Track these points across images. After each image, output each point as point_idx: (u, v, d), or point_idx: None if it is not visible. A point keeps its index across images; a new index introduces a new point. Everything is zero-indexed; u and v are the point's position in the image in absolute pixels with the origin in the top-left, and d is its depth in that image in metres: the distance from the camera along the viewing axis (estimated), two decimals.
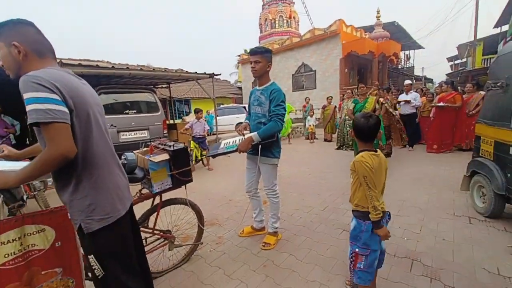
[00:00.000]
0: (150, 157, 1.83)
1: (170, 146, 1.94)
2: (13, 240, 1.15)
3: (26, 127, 6.02)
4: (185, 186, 1.98)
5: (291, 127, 8.65)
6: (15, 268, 1.15)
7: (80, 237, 1.22)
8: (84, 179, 1.12)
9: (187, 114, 16.12)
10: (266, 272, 1.98)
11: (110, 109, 5.21)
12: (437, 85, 7.46)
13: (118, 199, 1.25)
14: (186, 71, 7.31)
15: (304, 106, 10.13)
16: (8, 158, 1.42)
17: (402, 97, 6.56)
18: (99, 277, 1.21)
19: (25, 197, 1.74)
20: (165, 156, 1.86)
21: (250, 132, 2.26)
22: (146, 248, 1.72)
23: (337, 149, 7.02)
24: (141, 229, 1.76)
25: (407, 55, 23.02)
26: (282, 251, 2.27)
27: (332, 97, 9.00)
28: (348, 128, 6.72)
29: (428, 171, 4.45)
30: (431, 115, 6.27)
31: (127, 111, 5.57)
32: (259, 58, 2.20)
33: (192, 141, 5.49)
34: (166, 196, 1.94)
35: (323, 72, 14.16)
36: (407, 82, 6.78)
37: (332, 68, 13.70)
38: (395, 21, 17.56)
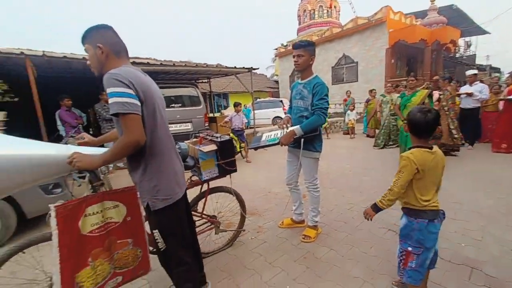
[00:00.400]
0: (200, 147, 1.98)
1: (217, 138, 2.06)
2: (96, 213, 1.37)
3: (89, 119, 6.88)
4: (230, 176, 2.09)
5: (327, 121, 8.41)
6: (98, 236, 1.37)
7: (147, 214, 1.41)
8: (151, 164, 1.29)
9: (226, 107, 16.62)
10: (307, 264, 2.02)
11: None
12: (507, 75, 6.30)
13: (177, 183, 1.41)
14: (226, 66, 7.54)
15: (345, 100, 9.68)
16: (87, 144, 1.67)
17: (465, 88, 5.70)
18: (161, 249, 1.41)
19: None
20: (213, 147, 1.99)
21: (292, 126, 2.28)
22: (196, 230, 1.88)
23: (380, 148, 6.36)
24: (192, 212, 1.92)
25: (467, 42, 20.27)
26: (322, 245, 2.28)
27: (375, 90, 8.44)
28: (393, 124, 6.26)
29: (493, 172, 3.95)
30: (500, 109, 5.45)
31: (172, 105, 6.00)
32: (302, 52, 2.19)
33: (231, 134, 5.70)
34: (212, 184, 2.08)
35: (366, 64, 13.31)
36: (471, 72, 5.79)
37: (376, 59, 12.79)
38: (453, 4, 15.54)
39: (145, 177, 1.30)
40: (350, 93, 9.58)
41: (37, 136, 4.51)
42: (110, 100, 1.13)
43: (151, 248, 1.68)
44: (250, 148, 3.56)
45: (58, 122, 5.43)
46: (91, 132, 8.00)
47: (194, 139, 2.28)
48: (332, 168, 4.79)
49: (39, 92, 4.71)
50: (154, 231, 1.40)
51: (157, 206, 1.32)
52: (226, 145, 2.05)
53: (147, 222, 1.54)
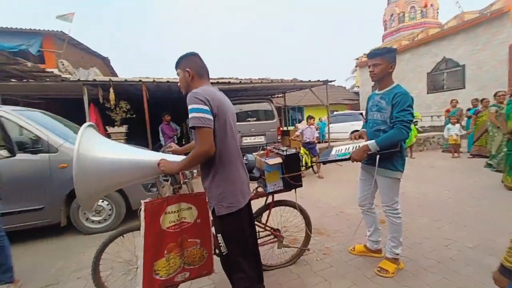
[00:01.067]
0: (266, 159, 2.03)
1: (283, 151, 2.07)
2: (174, 212, 1.59)
3: (182, 131, 8.15)
4: (295, 190, 2.05)
5: (415, 136, 7.03)
6: (174, 232, 1.58)
7: (213, 218, 1.53)
8: (219, 172, 1.42)
9: (300, 121, 16.58)
10: None
11: (236, 117, 6.22)
12: None
13: (241, 192, 1.48)
14: (300, 80, 7.58)
15: (448, 111, 7.89)
16: (173, 152, 1.97)
17: None
18: (224, 254, 1.49)
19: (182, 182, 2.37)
20: (279, 160, 2.00)
21: (367, 141, 2.05)
22: (258, 241, 1.91)
23: (495, 171, 4.80)
24: (256, 222, 1.97)
25: None
26: (404, 284, 1.90)
27: (488, 99, 6.66)
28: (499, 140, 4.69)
29: None
30: None
31: (248, 119, 6.43)
32: (379, 61, 1.97)
33: (302, 147, 5.60)
34: (278, 197, 2.08)
35: (478, 67, 10.78)
36: None
37: (493, 59, 10.20)
38: None
39: (213, 184, 1.43)
40: (457, 102, 7.75)
41: (146, 145, 5.68)
42: (190, 115, 1.32)
43: (216, 252, 1.80)
44: (318, 162, 3.39)
45: (160, 134, 6.67)
46: (183, 142, 9.43)
47: (262, 152, 2.36)
48: (424, 192, 4.01)
49: (149, 110, 5.94)
50: (218, 235, 1.51)
51: (221, 212, 1.42)
52: (292, 159, 2.03)
53: (214, 226, 1.67)
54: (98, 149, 1.47)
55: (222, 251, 1.50)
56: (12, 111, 2.96)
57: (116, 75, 13.18)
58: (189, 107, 1.32)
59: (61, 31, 10.25)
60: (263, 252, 2.04)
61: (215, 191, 1.42)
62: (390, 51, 2.00)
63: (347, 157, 2.00)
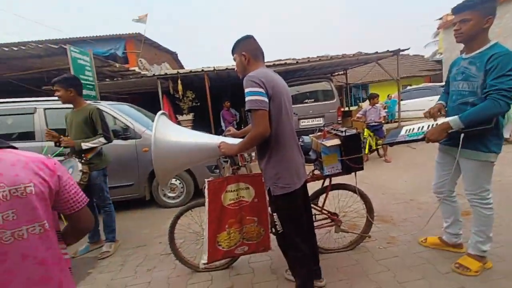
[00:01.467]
0: (323, 141, 1.95)
1: (342, 132, 1.95)
2: (233, 190, 1.73)
3: (241, 116, 8.50)
4: (355, 174, 1.92)
5: None
6: (233, 209, 1.73)
7: (269, 198, 1.59)
8: (274, 154, 1.45)
9: (364, 100, 15.09)
10: None
11: (293, 99, 6.09)
12: None
13: (296, 173, 1.49)
14: (365, 53, 6.82)
15: None
16: (232, 136, 2.09)
17: None
18: (279, 232, 1.54)
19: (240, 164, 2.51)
20: (337, 141, 1.90)
21: (446, 117, 1.73)
22: (314, 224, 1.90)
23: None
24: (311, 205, 1.95)
25: None
26: (490, 285, 1.61)
27: None
28: None
29: None
30: None
31: (306, 100, 6.21)
32: (468, 15, 1.57)
33: (366, 129, 5.12)
34: (335, 180, 2.00)
35: None
36: None
37: None
38: None
39: (269, 165, 1.47)
40: None
41: (209, 130, 6.20)
42: (246, 98, 1.37)
43: (273, 230, 1.88)
44: (384, 144, 3.07)
45: (221, 120, 7.13)
46: (242, 127, 9.88)
47: (319, 133, 2.28)
48: None
49: (210, 97, 6.38)
50: (274, 214, 1.56)
51: (277, 192, 1.46)
52: (351, 140, 1.89)
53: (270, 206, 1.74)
54: (169, 134, 1.69)
55: (278, 229, 1.56)
56: (108, 105, 3.63)
57: (183, 68, 14.50)
58: (245, 90, 1.36)
59: (138, 33, 11.75)
60: (319, 235, 2.03)
61: (271, 172, 1.46)
62: (485, 0, 1.58)
63: (420, 137, 1.74)
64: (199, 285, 1.90)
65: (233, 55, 1.58)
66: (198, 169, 3.67)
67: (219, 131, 7.03)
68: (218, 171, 3.94)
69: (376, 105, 5.16)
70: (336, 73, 9.98)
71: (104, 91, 7.56)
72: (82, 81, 4.60)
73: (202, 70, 6.42)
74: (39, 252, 0.72)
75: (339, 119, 6.08)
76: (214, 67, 6.46)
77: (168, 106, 6.90)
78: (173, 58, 16.46)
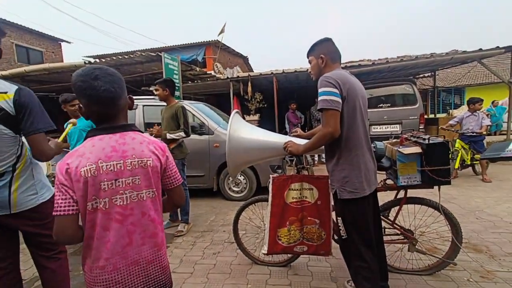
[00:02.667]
0: (399, 148, 1.77)
1: (424, 140, 1.72)
2: (296, 189, 1.74)
3: (306, 119, 8.37)
4: (439, 189, 1.67)
5: None
6: (295, 208, 1.74)
7: (334, 201, 1.54)
8: (344, 156, 1.41)
9: (457, 106, 12.66)
10: None
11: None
12: None
13: (366, 180, 1.41)
14: (463, 51, 5.76)
15: None
16: (298, 137, 2.11)
17: None
18: (343, 237, 1.48)
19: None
20: (417, 149, 1.69)
21: None
22: (384, 238, 1.74)
23: None
24: (381, 217, 1.79)
25: None
26: None
27: None
28: None
29: None
30: None
31: (380, 105, 5.66)
32: None
33: (458, 140, 4.31)
34: (413, 193, 1.78)
35: None
36: None
37: None
38: None
39: (338, 167, 1.43)
40: None
41: (273, 131, 6.34)
42: (319, 98, 1.37)
43: (335, 237, 1.81)
44: (483, 159, 2.54)
45: (286, 121, 7.18)
46: (306, 130, 9.71)
47: (394, 140, 2.07)
48: None
49: (277, 99, 6.52)
50: (338, 218, 1.51)
51: (343, 196, 1.40)
52: (437, 149, 1.65)
53: (334, 212, 1.68)
54: (242, 130, 1.83)
55: (342, 234, 1.50)
56: (189, 104, 4.15)
57: (252, 71, 15.27)
58: (319, 90, 1.36)
59: (216, 40, 13.00)
60: (389, 252, 1.84)
61: (339, 175, 1.42)
62: None
63: None
64: (258, 276, 1.98)
65: (308, 57, 1.59)
66: (262, 167, 3.82)
67: (282, 133, 7.11)
68: (280, 171, 4.04)
69: (478, 112, 4.28)
70: (421, 75, 8.74)
71: (186, 93, 8.65)
72: None
73: (272, 72, 6.63)
74: (151, 212, 0.91)
75: (421, 126, 5.31)
76: (283, 69, 6.58)
77: (238, 106, 7.39)
78: (244, 62, 17.51)
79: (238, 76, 7.18)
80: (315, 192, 1.75)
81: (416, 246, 1.84)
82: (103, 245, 0.83)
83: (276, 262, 2.11)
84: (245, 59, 17.40)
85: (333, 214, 1.66)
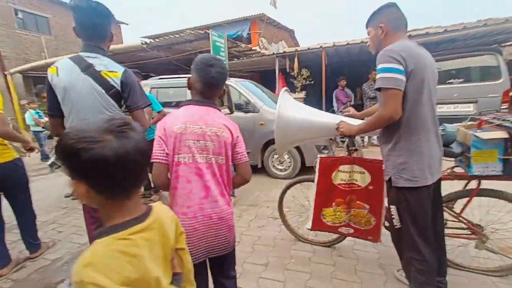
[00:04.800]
0: (476, 132, 1.51)
1: None
2: (346, 171, 1.67)
3: (355, 97, 7.75)
4: None
5: None
6: (343, 190, 1.68)
7: (388, 187, 1.42)
8: (403, 140, 1.26)
9: None
10: None
11: None
12: None
13: (428, 167, 1.25)
14: None
15: None
16: (350, 116, 1.96)
17: None
18: (396, 227, 1.37)
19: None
20: (500, 134, 1.42)
21: None
22: (445, 231, 1.57)
23: None
24: (444, 208, 1.61)
25: None
26: None
27: None
28: None
29: None
30: None
31: (450, 80, 4.86)
32: None
33: None
34: (487, 184, 1.54)
35: None
36: None
37: None
38: None
39: (394, 152, 1.29)
40: None
41: (319, 110, 6.06)
42: (378, 76, 1.22)
43: (386, 224, 1.71)
44: None
45: (334, 100, 6.76)
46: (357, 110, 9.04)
47: (470, 122, 1.77)
48: None
49: (325, 76, 6.13)
50: (391, 206, 1.39)
51: (399, 184, 1.28)
52: None
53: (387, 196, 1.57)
54: (291, 109, 1.78)
55: (394, 224, 1.39)
56: (235, 82, 4.19)
57: (298, 45, 14.50)
58: (378, 66, 1.21)
59: (262, 13, 12.51)
60: (450, 246, 1.68)
61: (395, 160, 1.29)
62: None
63: None
64: (302, 253, 2.03)
65: (367, 28, 1.41)
66: (307, 147, 3.74)
67: (329, 112, 6.76)
68: (326, 151, 3.90)
69: None
70: (510, 43, 7.14)
71: (230, 70, 8.73)
72: None
73: (320, 46, 6.19)
74: (224, 175, 1.09)
75: (503, 106, 4.43)
76: (333, 42, 6.07)
77: (283, 84, 7.20)
78: (290, 36, 16.67)
79: (284, 51, 6.89)
80: (367, 176, 1.65)
81: (486, 244, 1.63)
82: (185, 195, 1.03)
83: (321, 242, 2.12)
84: (291, 32, 16.54)
85: (386, 200, 1.55)
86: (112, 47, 6.77)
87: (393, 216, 1.38)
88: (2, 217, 1.99)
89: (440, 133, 1.57)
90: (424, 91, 1.21)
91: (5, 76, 8.18)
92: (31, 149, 2.13)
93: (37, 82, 8.54)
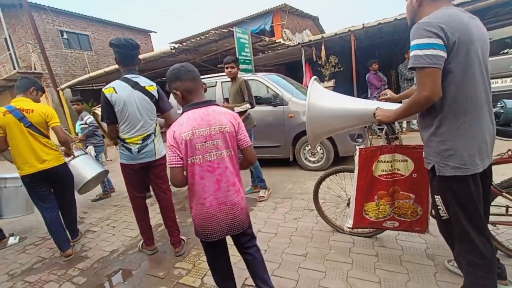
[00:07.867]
0: None
1: None
2: (387, 161, 1.57)
3: (389, 80, 7.21)
4: None
5: None
6: (385, 181, 1.59)
7: (430, 176, 1.25)
8: (447, 124, 1.11)
9: None
10: None
11: None
12: None
13: (479, 152, 1.11)
14: None
15: None
16: (388, 100, 1.84)
17: None
18: (443, 218, 1.23)
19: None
20: None
21: None
22: (504, 218, 1.42)
23: None
24: (504, 194, 1.45)
25: None
26: None
27: None
28: None
29: None
30: None
31: (505, 51, 4.29)
32: None
33: None
34: None
35: None
36: None
37: None
38: None
39: (436, 137, 1.15)
40: None
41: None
42: (411, 53, 1.09)
43: (433, 212, 1.59)
44: None
45: (368, 85, 6.39)
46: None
47: None
48: None
49: (355, 60, 5.81)
50: (436, 196, 1.24)
51: (445, 173, 1.14)
52: None
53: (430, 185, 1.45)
54: (322, 99, 1.74)
55: (441, 215, 1.26)
56: (262, 76, 4.19)
57: (324, 32, 13.91)
58: (412, 43, 1.08)
59: (283, 4, 12.22)
60: (507, 234, 1.51)
61: (438, 146, 1.14)
62: None
63: None
64: (341, 243, 1.99)
65: None
66: (340, 136, 3.61)
67: (362, 97, 6.41)
68: (360, 140, 3.73)
69: None
70: None
71: (256, 65, 8.74)
72: (242, 58, 5.53)
73: (349, 30, 5.86)
74: (230, 166, 1.24)
75: None
76: (363, 24, 5.71)
77: (310, 73, 7.00)
78: (314, 23, 16.06)
79: (310, 40, 6.68)
80: (410, 164, 1.54)
81: None
82: (201, 189, 1.21)
83: (360, 232, 2.05)
84: (315, 20, 15.92)
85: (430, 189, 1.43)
86: (145, 55, 7.23)
87: (439, 207, 1.23)
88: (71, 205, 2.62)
89: (499, 110, 1.40)
90: (473, 65, 1.06)
91: (57, 92, 9.20)
92: (68, 155, 2.64)
93: (83, 95, 9.50)
